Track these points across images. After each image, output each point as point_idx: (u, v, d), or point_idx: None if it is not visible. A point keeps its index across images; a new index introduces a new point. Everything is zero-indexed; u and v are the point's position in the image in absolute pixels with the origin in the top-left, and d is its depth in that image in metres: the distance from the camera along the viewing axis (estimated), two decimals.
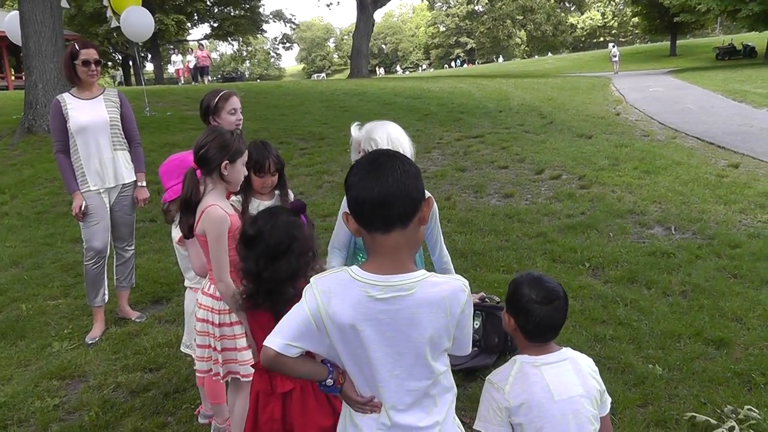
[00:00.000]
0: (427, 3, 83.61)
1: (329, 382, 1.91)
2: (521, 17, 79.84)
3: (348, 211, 1.81)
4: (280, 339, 1.83)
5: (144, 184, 5.07)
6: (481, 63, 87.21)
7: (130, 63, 48.09)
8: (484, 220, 6.66)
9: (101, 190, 4.88)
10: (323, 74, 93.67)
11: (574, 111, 15.28)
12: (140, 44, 19.85)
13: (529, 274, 2.40)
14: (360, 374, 1.86)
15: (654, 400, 3.37)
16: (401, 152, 3.65)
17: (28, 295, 5.75)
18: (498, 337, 3.89)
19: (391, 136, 3.74)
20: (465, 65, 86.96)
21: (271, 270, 2.29)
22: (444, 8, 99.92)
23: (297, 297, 1.89)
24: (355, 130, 3.86)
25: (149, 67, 53.03)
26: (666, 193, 7.34)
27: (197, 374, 3.39)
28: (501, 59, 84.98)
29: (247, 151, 3.05)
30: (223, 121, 3.67)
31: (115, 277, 5.21)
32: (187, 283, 3.59)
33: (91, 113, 4.79)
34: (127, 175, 4.97)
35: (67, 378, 4.26)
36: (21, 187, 10.13)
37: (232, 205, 3.38)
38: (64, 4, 14.69)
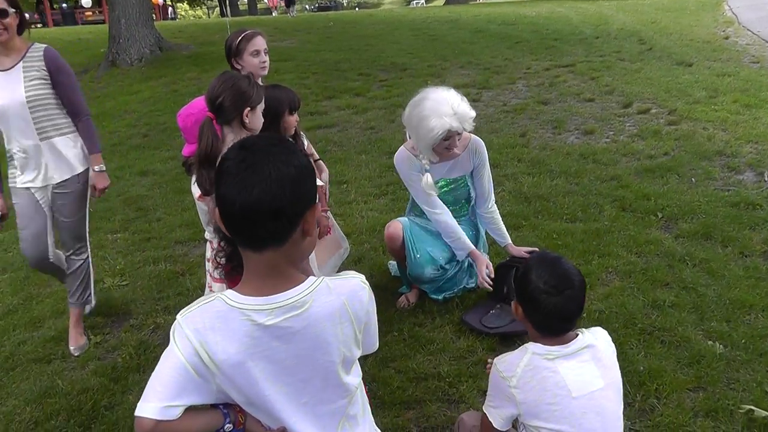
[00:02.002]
0: None
1: (228, 427, 1.60)
2: None
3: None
4: (155, 402, 1.45)
5: (101, 167, 3.82)
6: None
7: None
8: (556, 161, 6.19)
9: (31, 188, 3.74)
10: (422, 0, 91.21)
11: (677, 35, 14.09)
12: None
13: (542, 255, 2.11)
14: (259, 413, 1.57)
15: (709, 384, 2.95)
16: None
17: (91, 229, 5.77)
18: None
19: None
20: None
21: None
22: None
23: None
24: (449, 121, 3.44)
25: None
26: (765, 132, 6.57)
27: None
28: None
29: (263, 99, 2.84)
30: (246, 64, 3.45)
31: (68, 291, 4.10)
32: (207, 236, 3.44)
33: (4, 93, 3.53)
34: (60, 171, 3.73)
35: (112, 315, 4.33)
36: (101, 119, 10.42)
37: None
38: None
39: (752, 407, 2.72)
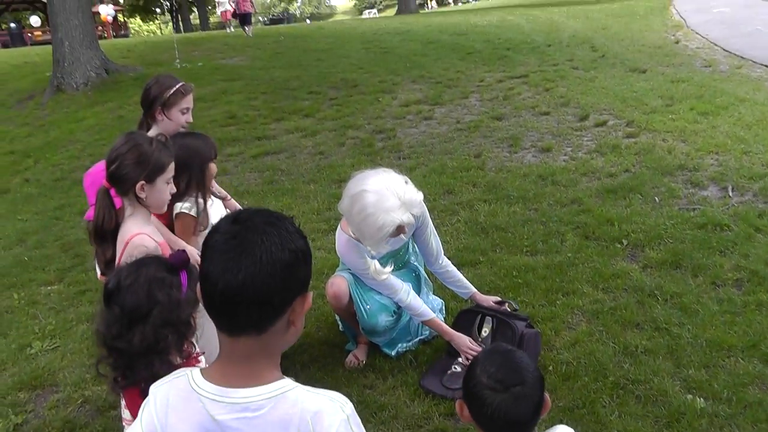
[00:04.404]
0: None
1: None
2: None
3: None
4: None
5: None
6: None
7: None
8: (513, 184, 5.91)
9: None
10: (374, 10, 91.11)
11: (628, 41, 14.06)
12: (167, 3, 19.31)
13: (494, 347, 1.80)
14: None
15: None
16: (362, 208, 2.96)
17: (24, 281, 5.46)
18: None
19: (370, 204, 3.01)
20: None
21: (124, 340, 1.74)
22: None
23: (155, 376, 1.45)
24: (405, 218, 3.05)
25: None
26: (725, 141, 6.42)
27: None
28: None
29: (172, 165, 2.46)
30: (172, 119, 3.11)
31: None
32: None
33: None
34: None
35: (38, 388, 3.90)
36: (45, 151, 9.99)
37: (184, 212, 3.00)
38: None
39: None
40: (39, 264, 5.76)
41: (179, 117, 3.15)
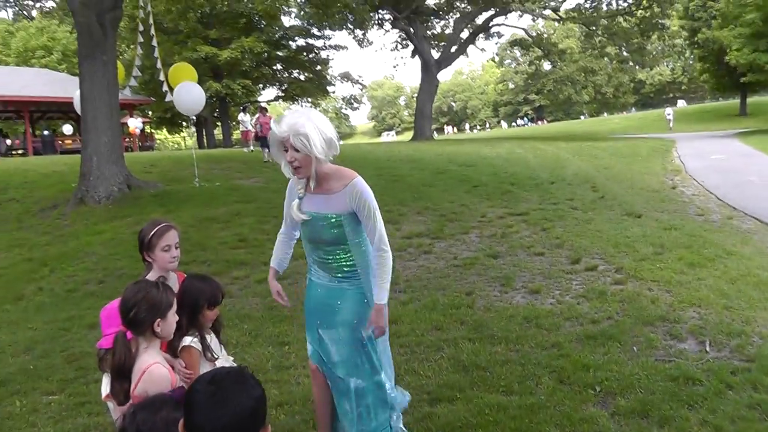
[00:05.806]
0: (495, 61, 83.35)
1: None
2: (582, 78, 77.01)
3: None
4: None
5: None
6: (550, 121, 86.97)
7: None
8: (499, 325, 6.20)
9: None
10: (393, 132, 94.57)
11: (628, 183, 14.71)
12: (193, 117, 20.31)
13: None
14: None
15: None
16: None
17: (27, 389, 5.70)
18: None
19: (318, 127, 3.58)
20: (536, 122, 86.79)
21: None
22: (513, 65, 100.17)
23: None
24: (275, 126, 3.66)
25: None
26: (708, 295, 6.71)
27: None
28: (583, 117, 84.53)
29: (175, 299, 2.91)
30: (157, 258, 3.48)
31: None
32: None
33: None
34: None
35: None
36: (61, 261, 10.34)
37: (189, 345, 3.30)
38: (132, 83, 16.07)
39: None
40: (43, 373, 6.01)
41: (163, 256, 3.46)
